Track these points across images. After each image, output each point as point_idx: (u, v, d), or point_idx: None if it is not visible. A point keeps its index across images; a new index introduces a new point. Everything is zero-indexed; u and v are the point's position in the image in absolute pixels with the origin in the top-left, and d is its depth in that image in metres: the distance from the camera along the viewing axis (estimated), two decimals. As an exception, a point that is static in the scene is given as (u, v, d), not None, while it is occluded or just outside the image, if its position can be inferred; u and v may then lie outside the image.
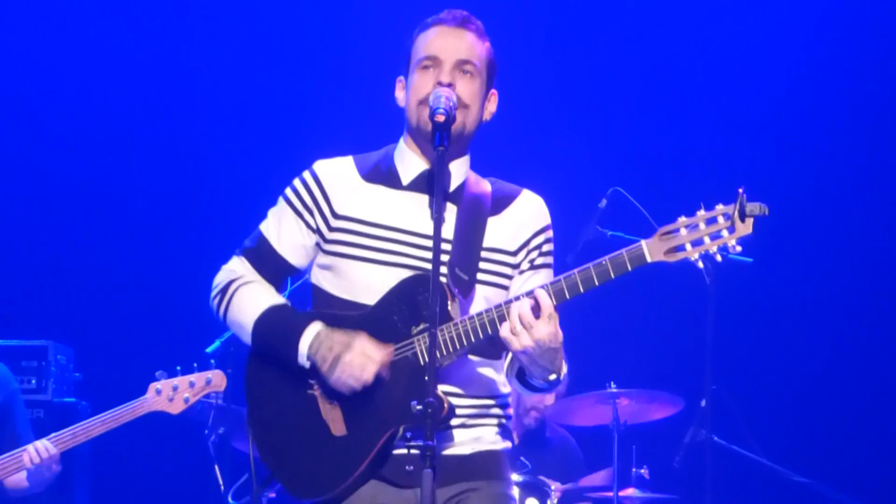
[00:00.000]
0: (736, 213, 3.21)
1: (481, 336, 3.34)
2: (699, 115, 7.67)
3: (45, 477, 5.37)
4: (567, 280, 3.29)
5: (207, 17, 7.98)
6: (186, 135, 7.93)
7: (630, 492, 6.47)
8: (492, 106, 3.62)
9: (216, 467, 6.20)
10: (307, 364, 3.44)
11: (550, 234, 3.63)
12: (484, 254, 3.51)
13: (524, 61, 7.19)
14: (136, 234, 7.90)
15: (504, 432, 3.62)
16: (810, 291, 7.68)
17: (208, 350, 6.10)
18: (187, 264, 7.80)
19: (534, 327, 3.25)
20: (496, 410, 3.58)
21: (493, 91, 3.63)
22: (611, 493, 6.42)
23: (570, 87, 7.74)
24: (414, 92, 3.51)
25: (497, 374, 3.56)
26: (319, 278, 3.58)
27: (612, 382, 6.53)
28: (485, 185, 3.62)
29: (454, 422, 3.43)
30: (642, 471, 6.62)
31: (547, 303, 3.27)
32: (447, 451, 3.49)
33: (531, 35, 7.61)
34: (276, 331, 3.50)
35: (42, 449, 5.27)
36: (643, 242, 3.27)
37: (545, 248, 3.60)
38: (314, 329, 3.44)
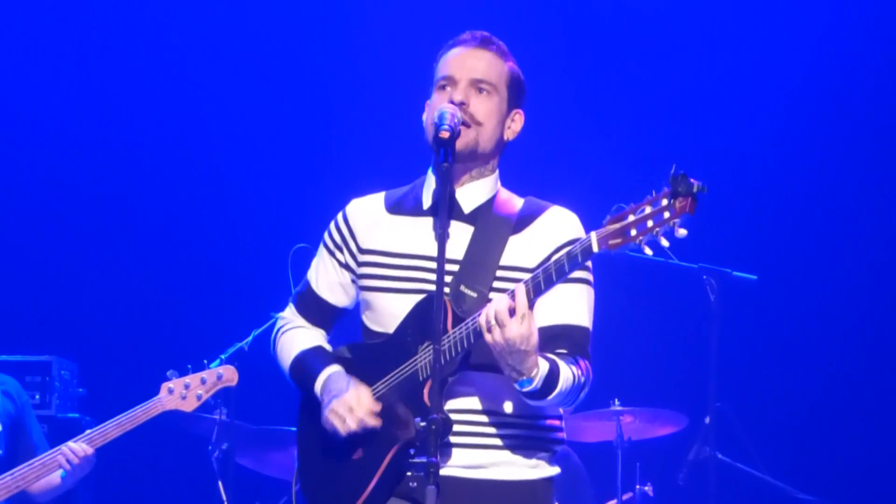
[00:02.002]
0: (671, 193, 3.12)
1: (472, 341, 3.31)
2: (704, 131, 7.67)
3: (82, 475, 5.37)
4: (533, 280, 3.26)
5: (239, 34, 7.98)
6: (192, 151, 7.93)
7: (634, 509, 6.47)
8: (515, 125, 3.60)
9: (220, 483, 6.20)
10: None
11: None
12: (500, 272, 3.47)
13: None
14: (139, 249, 7.89)
15: (549, 458, 3.56)
16: (815, 308, 7.67)
17: (211, 367, 6.09)
18: (191, 281, 7.82)
19: (506, 326, 3.22)
20: (533, 432, 3.52)
21: (518, 111, 3.60)
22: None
23: (568, 98, 7.71)
24: (431, 112, 3.50)
25: None
26: (362, 316, 3.64)
27: (615, 399, 6.53)
28: (514, 204, 3.59)
29: (469, 440, 3.43)
30: (646, 488, 6.61)
31: (522, 301, 3.23)
32: (471, 475, 3.46)
33: (528, 44, 7.61)
34: (302, 379, 3.64)
35: (78, 450, 5.25)
36: (592, 233, 3.24)
37: None
38: (325, 374, 3.56)
